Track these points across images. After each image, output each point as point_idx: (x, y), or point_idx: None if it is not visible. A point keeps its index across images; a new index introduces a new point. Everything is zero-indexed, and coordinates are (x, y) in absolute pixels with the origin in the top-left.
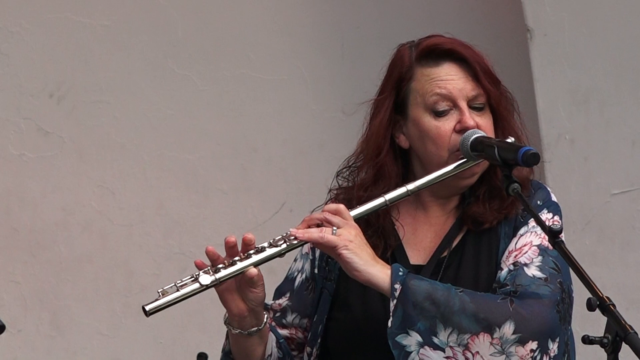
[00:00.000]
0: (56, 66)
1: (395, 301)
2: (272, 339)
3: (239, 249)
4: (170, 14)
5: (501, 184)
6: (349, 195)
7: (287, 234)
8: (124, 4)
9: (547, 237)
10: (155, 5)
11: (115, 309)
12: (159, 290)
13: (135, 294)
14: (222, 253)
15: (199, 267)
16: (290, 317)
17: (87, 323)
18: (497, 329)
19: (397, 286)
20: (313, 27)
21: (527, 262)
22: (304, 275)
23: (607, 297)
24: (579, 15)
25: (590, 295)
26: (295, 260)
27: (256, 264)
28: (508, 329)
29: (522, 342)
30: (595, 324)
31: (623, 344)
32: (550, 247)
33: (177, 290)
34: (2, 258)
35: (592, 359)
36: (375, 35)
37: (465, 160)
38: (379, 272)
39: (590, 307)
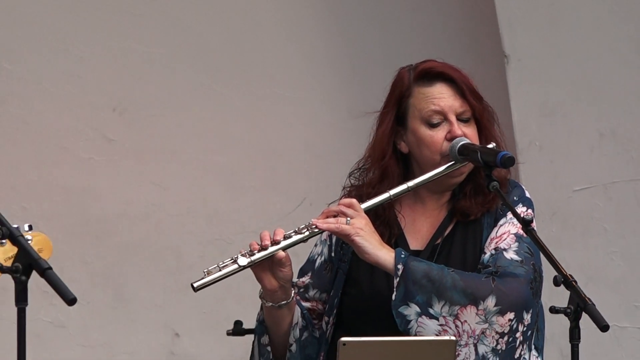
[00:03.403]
0: (119, 85)
1: (398, 279)
2: (297, 310)
3: (271, 237)
4: (211, 43)
5: (484, 182)
6: (359, 192)
7: (309, 223)
8: (174, 34)
9: (521, 227)
10: (199, 37)
11: (167, 285)
12: (204, 270)
13: (184, 273)
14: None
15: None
16: (311, 293)
17: (144, 296)
18: (482, 302)
19: (400, 266)
20: (327, 52)
21: (506, 247)
22: (323, 258)
23: (570, 275)
24: (547, 43)
25: (557, 274)
26: (315, 245)
27: (284, 248)
28: (490, 302)
29: (501, 312)
30: (560, 297)
31: (583, 313)
32: (524, 234)
33: (219, 270)
34: (75, 243)
35: (558, 326)
36: (378, 58)
37: (454, 162)
38: (385, 255)
39: (557, 283)
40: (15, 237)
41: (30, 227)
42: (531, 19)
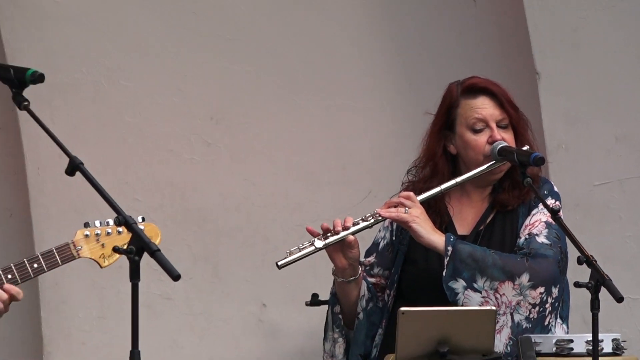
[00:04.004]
0: (216, 98)
1: (447, 258)
2: (364, 284)
3: (342, 224)
4: (291, 62)
5: (519, 179)
6: (415, 186)
7: (373, 212)
8: (260, 55)
9: (550, 216)
10: (281, 57)
11: (256, 264)
12: (287, 251)
13: (270, 254)
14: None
15: (313, 234)
16: (376, 270)
17: (237, 273)
18: (517, 278)
19: (449, 248)
20: (388, 70)
21: (538, 233)
22: (385, 241)
23: (591, 255)
24: (571, 63)
25: (579, 254)
26: (379, 230)
27: (353, 233)
28: (524, 278)
29: (534, 287)
30: (583, 274)
31: (602, 287)
32: (553, 222)
33: (299, 251)
34: (179, 229)
35: (581, 298)
36: (430, 74)
37: (494, 162)
38: (437, 238)
39: (580, 262)
40: (130, 225)
41: (143, 219)
42: (558, 43)
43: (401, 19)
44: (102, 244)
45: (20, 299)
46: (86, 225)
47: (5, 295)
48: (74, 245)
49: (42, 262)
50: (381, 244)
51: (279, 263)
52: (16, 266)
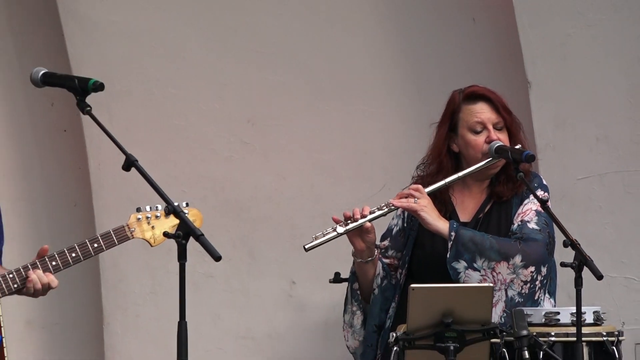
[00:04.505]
0: (251, 104)
1: (451, 242)
2: (379, 264)
3: (360, 212)
4: (316, 72)
5: (513, 173)
6: (423, 180)
7: (387, 202)
8: (289, 66)
9: (540, 205)
10: (308, 68)
11: (286, 247)
12: (313, 236)
13: (298, 238)
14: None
15: (336, 222)
16: (390, 252)
17: (269, 255)
18: (511, 259)
19: (453, 233)
20: (401, 79)
21: (529, 220)
22: (398, 227)
23: (575, 240)
24: (559, 73)
25: (565, 239)
26: (392, 218)
27: (370, 220)
28: (517, 259)
29: (525, 267)
30: (568, 255)
31: (584, 267)
32: (542, 211)
33: (324, 236)
34: (219, 217)
35: (566, 276)
36: (436, 83)
37: (491, 159)
38: (442, 225)
39: (565, 245)
40: (177, 212)
41: (187, 204)
42: (547, 56)
43: (411, 36)
44: (152, 226)
45: (55, 287)
46: (138, 210)
47: (45, 280)
48: (128, 228)
49: (101, 242)
50: (394, 230)
51: (306, 246)
52: (79, 246)
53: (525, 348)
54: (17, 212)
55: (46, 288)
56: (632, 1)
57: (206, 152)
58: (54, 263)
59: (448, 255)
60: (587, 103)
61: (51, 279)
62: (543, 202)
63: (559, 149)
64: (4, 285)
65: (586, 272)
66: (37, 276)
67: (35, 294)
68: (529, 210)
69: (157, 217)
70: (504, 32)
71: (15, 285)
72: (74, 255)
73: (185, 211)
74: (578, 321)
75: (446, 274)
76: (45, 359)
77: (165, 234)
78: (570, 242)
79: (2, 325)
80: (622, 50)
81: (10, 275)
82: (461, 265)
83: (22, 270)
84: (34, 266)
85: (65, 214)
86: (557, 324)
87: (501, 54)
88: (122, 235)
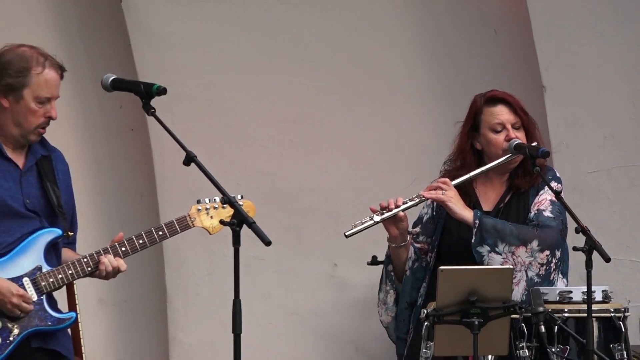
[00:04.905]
0: (297, 105)
1: (475, 229)
2: (411, 249)
3: (395, 203)
4: (354, 78)
5: (530, 168)
6: (450, 174)
7: (419, 194)
8: (330, 73)
9: (554, 196)
10: (345, 73)
11: (329, 233)
12: (352, 224)
13: (339, 225)
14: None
15: (373, 211)
16: (421, 238)
17: (314, 240)
18: (529, 244)
19: (477, 221)
20: (429, 84)
21: (544, 209)
22: (428, 216)
23: (586, 226)
24: (571, 79)
25: (577, 226)
26: (423, 207)
27: (403, 210)
28: (534, 244)
29: (542, 250)
30: (579, 240)
31: (594, 251)
32: (556, 200)
33: (362, 224)
34: (270, 206)
35: (578, 259)
36: (460, 87)
37: (510, 155)
38: (467, 214)
39: (577, 231)
40: (232, 203)
41: (242, 197)
42: (560, 63)
43: (439, 46)
44: (211, 216)
45: (124, 271)
46: (198, 201)
47: (115, 264)
48: (190, 217)
49: (165, 230)
50: (425, 218)
51: (347, 233)
52: (146, 233)
53: (542, 323)
54: (89, 203)
55: (116, 271)
56: (635, 16)
57: (258, 149)
58: (123, 249)
59: (473, 241)
60: (595, 105)
61: (120, 263)
62: (557, 193)
63: (570, 146)
64: (79, 268)
65: (595, 256)
66: (108, 260)
67: (107, 276)
68: (544, 200)
69: (215, 207)
70: (521, 43)
71: (89, 268)
72: (141, 242)
73: (240, 202)
74: (588, 299)
75: (471, 257)
76: (115, 333)
77: (222, 222)
78: (581, 229)
79: (77, 302)
80: (625, 59)
81: (85, 260)
82: (485, 249)
83: (95, 255)
84: (106, 251)
85: (133, 205)
86: (569, 301)
87: (519, 62)
88: (184, 224)
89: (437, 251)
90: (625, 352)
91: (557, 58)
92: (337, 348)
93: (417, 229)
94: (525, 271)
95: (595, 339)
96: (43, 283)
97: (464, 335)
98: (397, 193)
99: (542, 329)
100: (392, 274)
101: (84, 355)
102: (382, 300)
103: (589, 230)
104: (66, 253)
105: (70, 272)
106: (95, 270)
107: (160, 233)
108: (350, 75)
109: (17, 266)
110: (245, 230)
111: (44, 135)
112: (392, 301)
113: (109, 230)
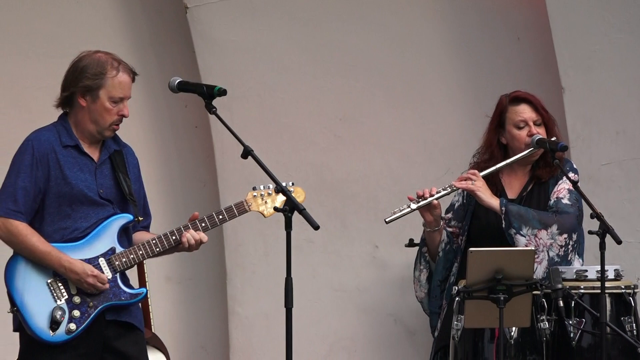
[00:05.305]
0: (341, 105)
1: (503, 215)
2: (444, 232)
3: (429, 192)
4: (393, 79)
5: (550, 160)
6: (478, 166)
7: (451, 184)
8: (372, 75)
9: (572, 185)
10: (382, 74)
11: (371, 219)
12: (392, 211)
13: (380, 212)
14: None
15: (410, 199)
16: (453, 223)
17: (357, 224)
18: (549, 228)
19: (503, 208)
20: (458, 85)
21: (562, 197)
22: (459, 203)
23: (600, 212)
24: (587, 81)
25: (592, 212)
26: (455, 196)
27: (437, 198)
28: (554, 228)
29: (560, 234)
30: (594, 224)
31: (607, 234)
32: (573, 189)
33: (400, 211)
34: (318, 195)
35: (592, 241)
36: (487, 87)
37: (532, 149)
38: (494, 202)
39: (592, 217)
40: (284, 191)
41: (293, 184)
42: (577, 66)
43: (468, 51)
44: (265, 202)
45: (205, 242)
46: (254, 188)
47: (197, 236)
48: (246, 203)
49: (225, 214)
50: (456, 205)
51: (387, 219)
52: (208, 217)
53: (560, 298)
54: (159, 192)
55: (199, 243)
56: None
57: (307, 143)
58: (203, 225)
59: (504, 225)
60: (608, 105)
61: (202, 235)
62: (574, 183)
63: (586, 141)
64: (164, 241)
65: (608, 238)
66: (191, 234)
67: (190, 248)
68: (562, 189)
69: (269, 194)
70: (542, 48)
71: (174, 237)
72: (203, 225)
73: (291, 189)
74: (602, 277)
75: (497, 239)
76: (180, 307)
77: (275, 209)
78: (595, 215)
79: (147, 280)
80: (636, 63)
81: (154, 241)
82: (512, 232)
83: (176, 231)
84: (186, 227)
85: (196, 193)
86: (585, 279)
87: (540, 66)
88: (241, 208)
89: (467, 235)
90: (634, 324)
91: (575, 62)
92: (377, 321)
93: (450, 215)
94: (547, 251)
95: (608, 313)
96: (117, 262)
97: (491, 310)
98: (431, 183)
99: (561, 303)
100: (427, 255)
101: (152, 327)
102: (417, 277)
103: (602, 216)
104: (142, 235)
105: (140, 252)
106: (178, 244)
107: (221, 217)
108: (390, 78)
109: (93, 248)
110: (296, 216)
111: (117, 132)
112: (425, 279)
113: (175, 215)
